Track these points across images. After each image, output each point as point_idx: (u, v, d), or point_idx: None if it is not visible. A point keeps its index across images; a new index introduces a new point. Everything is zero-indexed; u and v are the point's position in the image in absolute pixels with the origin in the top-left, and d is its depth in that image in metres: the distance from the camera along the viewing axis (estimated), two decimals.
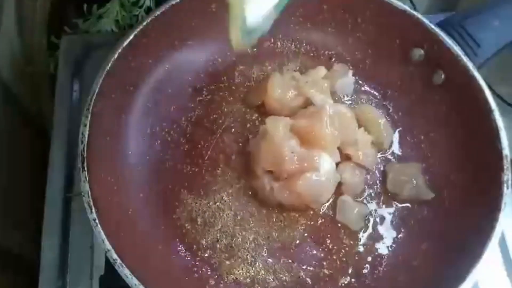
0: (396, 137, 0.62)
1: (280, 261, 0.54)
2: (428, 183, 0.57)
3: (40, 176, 0.63)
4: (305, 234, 0.55)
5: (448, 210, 0.55)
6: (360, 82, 0.65)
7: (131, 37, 0.56)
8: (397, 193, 0.57)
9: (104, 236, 0.45)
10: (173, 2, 0.59)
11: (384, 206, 0.57)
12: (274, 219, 0.56)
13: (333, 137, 0.55)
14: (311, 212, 0.56)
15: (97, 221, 0.46)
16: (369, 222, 0.56)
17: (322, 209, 0.57)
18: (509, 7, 0.59)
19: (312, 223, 0.56)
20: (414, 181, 0.57)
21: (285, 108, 0.59)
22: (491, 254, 0.47)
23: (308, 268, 0.54)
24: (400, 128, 0.62)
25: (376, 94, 0.64)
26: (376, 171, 0.59)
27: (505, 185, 0.50)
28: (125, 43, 0.55)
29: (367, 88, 0.65)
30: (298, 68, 0.65)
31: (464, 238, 0.51)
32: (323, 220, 0.56)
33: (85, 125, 0.50)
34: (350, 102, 0.64)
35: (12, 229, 0.66)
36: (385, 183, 0.58)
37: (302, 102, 0.60)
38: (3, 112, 0.66)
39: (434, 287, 0.50)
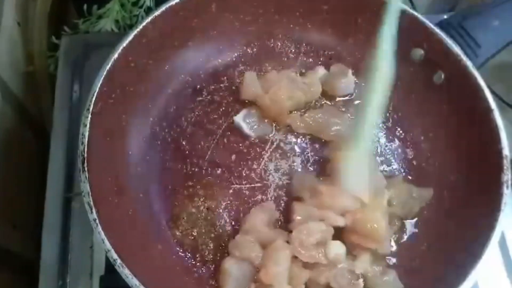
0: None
1: None
2: (428, 184, 0.57)
3: (40, 176, 0.63)
4: None
5: (448, 210, 0.55)
6: (360, 82, 0.65)
7: (131, 37, 0.56)
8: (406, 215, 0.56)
9: (104, 236, 0.45)
10: (173, 2, 0.59)
11: None
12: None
13: None
14: None
15: (97, 221, 0.46)
16: None
17: None
18: (509, 7, 0.59)
19: None
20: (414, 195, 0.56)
21: (276, 107, 0.60)
22: (491, 254, 0.47)
23: None
24: (400, 128, 0.62)
25: None
26: None
27: (505, 185, 0.50)
28: (125, 43, 0.55)
29: None
30: (297, 68, 0.65)
31: (464, 238, 0.51)
32: None
33: (85, 125, 0.50)
34: (350, 102, 0.64)
35: (12, 228, 0.66)
36: None
37: (295, 103, 0.60)
38: (3, 112, 0.66)
39: (434, 287, 0.50)
